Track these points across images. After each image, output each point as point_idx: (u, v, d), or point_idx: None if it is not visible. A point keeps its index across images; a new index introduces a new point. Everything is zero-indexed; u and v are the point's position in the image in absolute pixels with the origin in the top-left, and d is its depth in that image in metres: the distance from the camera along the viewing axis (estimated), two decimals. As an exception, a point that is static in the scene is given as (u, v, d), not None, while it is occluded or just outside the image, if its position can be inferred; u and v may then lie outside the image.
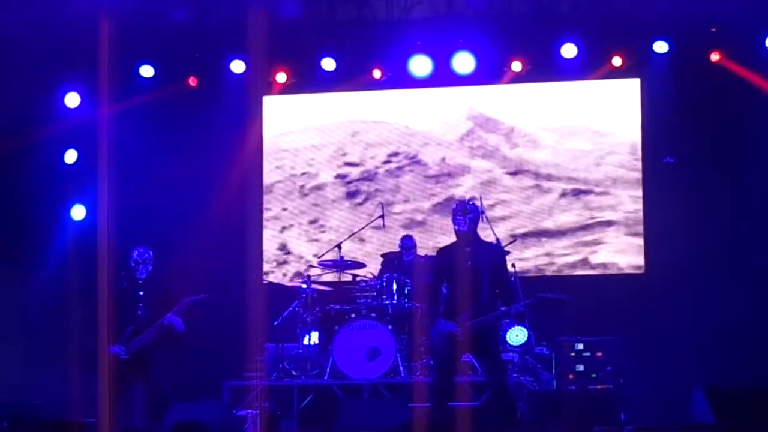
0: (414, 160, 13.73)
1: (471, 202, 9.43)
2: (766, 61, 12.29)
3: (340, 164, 13.87)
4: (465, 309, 8.98)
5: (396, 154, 13.75)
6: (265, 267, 13.56)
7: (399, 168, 13.73)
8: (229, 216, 12.61)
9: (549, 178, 13.42)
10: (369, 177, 13.75)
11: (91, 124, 12.32)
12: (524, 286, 11.04)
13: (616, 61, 12.65)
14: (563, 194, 13.35)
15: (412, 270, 11.53)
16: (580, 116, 13.35)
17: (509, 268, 10.58)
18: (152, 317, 9.83)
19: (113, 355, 9.70)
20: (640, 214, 13.01)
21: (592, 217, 13.28)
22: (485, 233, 10.59)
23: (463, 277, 8.92)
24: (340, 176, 13.81)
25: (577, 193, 13.32)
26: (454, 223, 9.20)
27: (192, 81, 13.19)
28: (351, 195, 13.77)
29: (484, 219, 10.93)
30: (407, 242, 12.00)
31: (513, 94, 13.50)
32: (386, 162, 13.77)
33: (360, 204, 13.73)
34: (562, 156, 13.39)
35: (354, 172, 13.80)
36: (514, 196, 13.42)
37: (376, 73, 13.03)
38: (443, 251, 9.43)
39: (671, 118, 12.58)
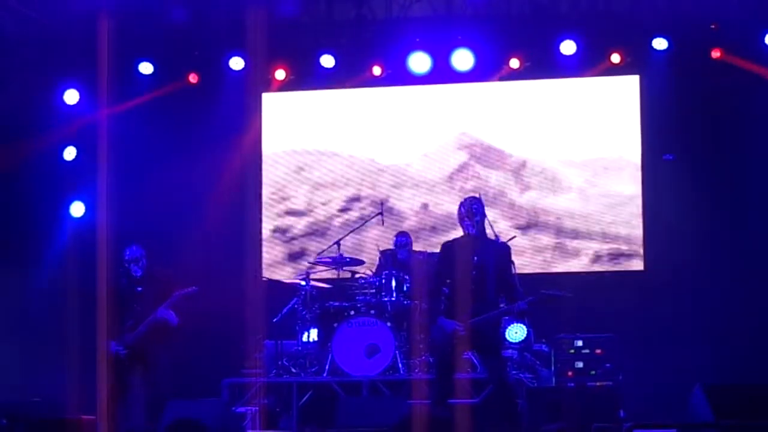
0: (383, 208, 10.84)
1: (475, 205, 9.10)
2: (766, 57, 12.28)
3: (280, 212, 11.10)
4: (468, 306, 8.94)
5: (357, 198, 10.80)
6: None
7: (362, 218, 10.74)
8: (228, 213, 12.61)
9: (576, 234, 10.55)
10: (319, 231, 10.74)
11: (90, 121, 12.39)
12: (523, 284, 10.99)
13: (615, 58, 12.62)
14: (596, 258, 10.52)
15: (407, 267, 11.49)
16: (616, 143, 10.17)
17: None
18: (150, 314, 9.83)
19: (112, 353, 9.71)
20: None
21: (638, 292, 10.01)
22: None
23: (468, 274, 8.88)
24: (279, 230, 11.03)
25: (615, 256, 10.53)
26: (463, 227, 9.08)
27: (192, 78, 13.19)
28: (294, 257, 10.79)
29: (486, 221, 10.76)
30: (401, 240, 11.67)
31: (520, 109, 11.13)
32: (343, 210, 10.74)
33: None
34: (593, 202, 10.52)
35: (299, 225, 10.88)
36: (526, 260, 10.42)
37: (376, 70, 12.97)
38: (448, 245, 9.28)
39: (671, 115, 12.56)
